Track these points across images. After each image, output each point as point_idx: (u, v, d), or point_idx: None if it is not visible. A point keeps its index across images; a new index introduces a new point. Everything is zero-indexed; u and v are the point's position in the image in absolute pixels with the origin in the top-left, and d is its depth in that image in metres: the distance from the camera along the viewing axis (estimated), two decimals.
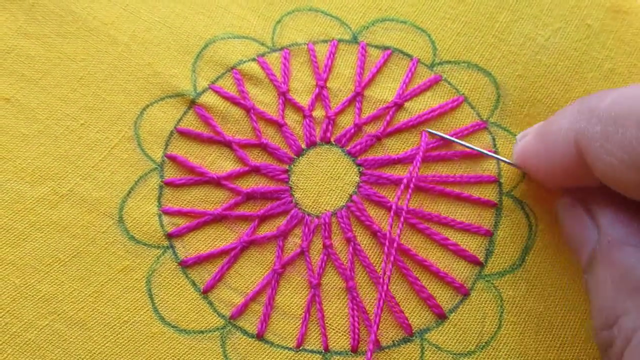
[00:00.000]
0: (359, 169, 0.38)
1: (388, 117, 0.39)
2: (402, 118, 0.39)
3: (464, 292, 0.35)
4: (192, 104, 0.39)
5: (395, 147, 0.38)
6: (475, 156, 0.38)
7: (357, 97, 0.39)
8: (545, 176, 0.34)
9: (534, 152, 0.34)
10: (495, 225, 0.37)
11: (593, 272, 0.30)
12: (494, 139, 0.38)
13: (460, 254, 0.36)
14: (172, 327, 0.35)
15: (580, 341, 0.34)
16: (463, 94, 0.39)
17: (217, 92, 0.39)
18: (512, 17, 0.40)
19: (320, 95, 0.39)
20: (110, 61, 0.40)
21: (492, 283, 0.35)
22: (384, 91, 0.39)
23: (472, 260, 0.36)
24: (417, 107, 0.39)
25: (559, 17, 0.40)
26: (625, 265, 0.28)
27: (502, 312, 0.35)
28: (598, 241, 0.30)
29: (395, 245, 0.35)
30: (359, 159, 0.38)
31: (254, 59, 0.40)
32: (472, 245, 0.36)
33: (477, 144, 0.38)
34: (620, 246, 0.29)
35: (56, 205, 0.37)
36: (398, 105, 0.39)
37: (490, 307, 0.35)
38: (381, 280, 0.34)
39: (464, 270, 0.36)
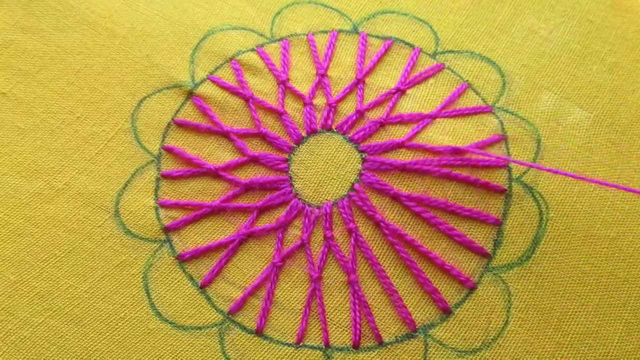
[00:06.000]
0: (361, 155, 0.37)
1: (391, 103, 0.38)
2: (406, 104, 0.39)
3: (470, 286, 0.34)
4: (190, 95, 0.39)
5: (399, 132, 0.38)
6: (484, 143, 0.37)
7: (359, 84, 0.39)
8: None
9: None
10: (504, 213, 0.36)
11: None
12: (501, 123, 0.38)
13: (467, 245, 0.35)
14: (169, 323, 0.35)
15: (590, 338, 0.33)
16: (467, 81, 0.39)
17: (216, 83, 0.39)
18: (514, 11, 0.41)
19: (321, 84, 0.39)
20: (108, 54, 0.40)
21: (499, 276, 0.35)
22: (385, 78, 0.39)
23: (479, 252, 0.35)
24: (420, 93, 0.39)
25: (560, 12, 0.41)
26: None
27: (509, 308, 0.34)
28: None
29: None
30: (361, 145, 0.38)
31: (253, 50, 0.40)
32: (480, 235, 0.35)
33: (483, 128, 0.38)
34: None
35: (52, 199, 0.37)
36: (401, 92, 0.39)
37: (497, 302, 0.34)
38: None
39: (470, 262, 0.35)
